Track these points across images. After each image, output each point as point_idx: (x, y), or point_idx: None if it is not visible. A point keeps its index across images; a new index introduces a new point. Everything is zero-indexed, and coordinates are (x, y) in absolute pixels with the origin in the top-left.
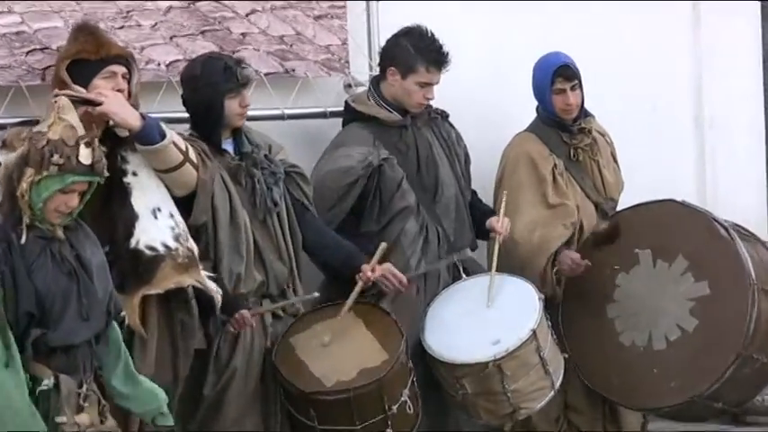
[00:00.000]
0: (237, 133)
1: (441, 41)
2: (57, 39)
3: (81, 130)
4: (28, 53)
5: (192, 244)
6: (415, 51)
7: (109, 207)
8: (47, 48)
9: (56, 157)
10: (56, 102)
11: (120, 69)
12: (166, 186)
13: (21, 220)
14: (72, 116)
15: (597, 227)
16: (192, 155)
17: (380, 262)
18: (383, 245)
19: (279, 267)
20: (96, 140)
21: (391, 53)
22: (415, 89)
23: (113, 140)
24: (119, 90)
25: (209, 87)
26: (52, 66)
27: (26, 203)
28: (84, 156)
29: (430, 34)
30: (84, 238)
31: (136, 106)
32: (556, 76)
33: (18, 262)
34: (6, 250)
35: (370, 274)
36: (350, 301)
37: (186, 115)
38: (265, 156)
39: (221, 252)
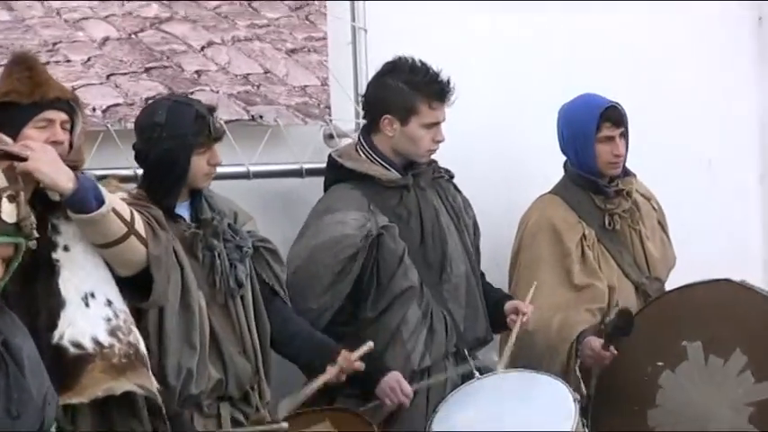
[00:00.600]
0: (196, 196)
1: (435, 69)
2: None
3: (2, 182)
4: None
5: (135, 338)
6: (410, 88)
7: (31, 288)
8: None
9: None
10: None
11: (59, 116)
12: (108, 265)
13: None
14: None
15: (608, 314)
16: (139, 225)
17: (362, 359)
18: (369, 344)
19: (241, 363)
20: (22, 195)
21: (381, 99)
22: (421, 134)
23: (44, 205)
24: (54, 142)
25: (175, 140)
26: None
27: None
28: (7, 212)
29: (419, 63)
30: (11, 323)
31: (78, 162)
32: (603, 120)
33: None
34: None
35: (351, 358)
36: (309, 390)
37: (125, 173)
38: (229, 225)
39: (167, 342)
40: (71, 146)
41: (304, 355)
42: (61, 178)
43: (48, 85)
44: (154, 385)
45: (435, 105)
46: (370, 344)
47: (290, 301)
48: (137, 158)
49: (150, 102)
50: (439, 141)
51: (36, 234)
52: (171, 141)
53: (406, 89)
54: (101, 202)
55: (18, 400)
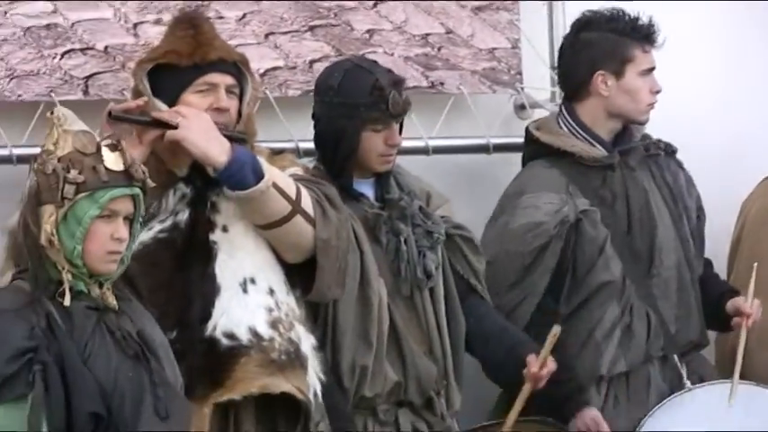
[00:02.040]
0: (383, 173)
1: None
2: (104, 36)
3: (98, 136)
4: (63, 55)
5: (297, 335)
6: (618, 35)
7: (185, 275)
8: (90, 48)
9: (73, 174)
10: (52, 114)
11: (224, 80)
12: (272, 248)
13: (58, 283)
14: (80, 124)
15: None
16: (307, 203)
17: (553, 352)
18: (555, 329)
19: (425, 365)
20: (122, 142)
21: (587, 57)
22: (639, 84)
23: (204, 180)
24: (217, 109)
25: (346, 109)
26: (99, 73)
27: (59, 253)
28: (113, 161)
29: (616, 10)
30: (138, 311)
31: (250, 134)
32: None
33: (66, 345)
34: (46, 330)
35: (535, 369)
36: (513, 414)
37: (286, 146)
38: (420, 208)
39: (341, 337)
40: (240, 114)
41: (498, 356)
42: (213, 150)
43: (211, 46)
44: (312, 390)
45: (648, 48)
46: (557, 328)
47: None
48: (313, 120)
49: (336, 61)
50: (657, 92)
51: (151, 183)
52: (341, 109)
53: (614, 37)
54: (260, 176)
55: (165, 397)
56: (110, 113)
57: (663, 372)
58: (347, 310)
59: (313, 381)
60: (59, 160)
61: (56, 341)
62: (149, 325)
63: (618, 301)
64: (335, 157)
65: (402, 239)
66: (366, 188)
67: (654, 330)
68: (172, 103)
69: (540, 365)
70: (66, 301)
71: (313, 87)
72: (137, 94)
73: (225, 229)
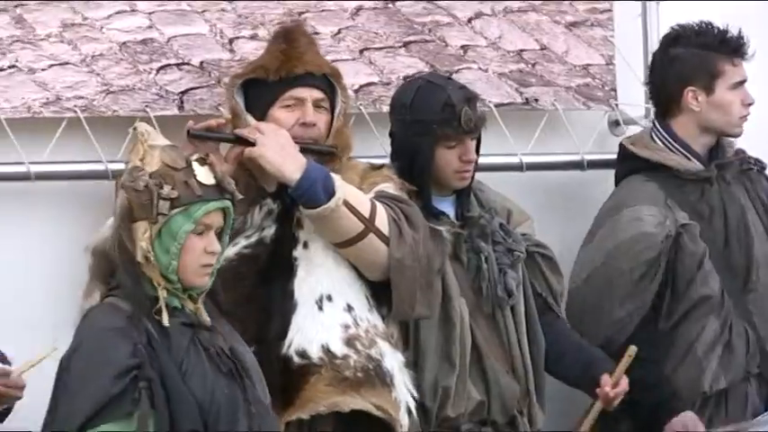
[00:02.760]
0: (462, 190)
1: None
2: (199, 51)
3: (185, 150)
4: (159, 70)
5: (379, 352)
6: (706, 50)
7: (267, 290)
8: (185, 63)
9: (166, 190)
10: (135, 129)
11: (311, 94)
12: (353, 265)
13: (154, 299)
14: (164, 139)
15: None
16: (382, 222)
17: (628, 371)
18: (631, 349)
19: (508, 384)
20: (211, 156)
21: (677, 72)
22: (730, 97)
23: (292, 196)
24: (304, 124)
25: (419, 126)
26: (195, 89)
27: (154, 269)
28: (204, 175)
29: (704, 24)
30: (228, 328)
31: (344, 148)
32: None
33: (166, 362)
34: (147, 347)
35: (608, 389)
36: (585, 427)
37: (381, 161)
38: (500, 225)
39: (423, 357)
40: (329, 129)
41: (573, 373)
42: (287, 167)
43: (299, 60)
44: (400, 410)
45: (737, 61)
46: (632, 350)
47: (584, 313)
48: (391, 142)
49: (408, 79)
50: (750, 104)
51: (239, 195)
52: (415, 127)
53: (702, 52)
54: (330, 193)
55: (258, 414)
56: (189, 132)
57: (759, 390)
58: (429, 330)
59: (404, 396)
60: (150, 176)
61: (157, 358)
62: (239, 343)
63: (717, 316)
64: (412, 174)
65: (483, 258)
66: (446, 206)
67: (752, 347)
68: (261, 117)
69: (614, 385)
70: (165, 320)
71: None
72: (231, 109)
73: (306, 246)
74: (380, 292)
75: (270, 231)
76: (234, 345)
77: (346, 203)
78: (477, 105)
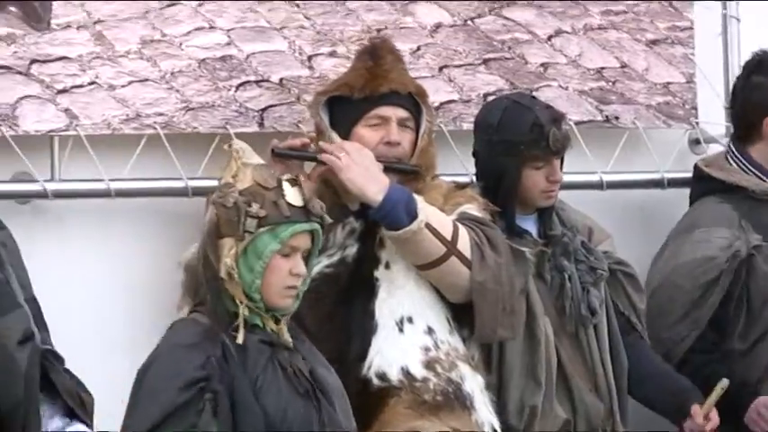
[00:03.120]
0: (545, 209)
1: None
2: (279, 68)
3: (277, 170)
4: (238, 87)
5: (459, 375)
6: None
7: (347, 310)
8: (265, 80)
9: (255, 208)
10: (230, 146)
11: (395, 113)
12: (435, 287)
13: (234, 315)
14: (257, 158)
15: None
16: (464, 245)
17: (718, 404)
18: (723, 382)
19: (593, 402)
20: (301, 177)
21: (757, 102)
22: None
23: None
24: (388, 143)
25: (506, 146)
26: (274, 106)
27: (237, 287)
28: (293, 196)
29: None
30: (310, 349)
31: (428, 168)
32: None
33: (238, 377)
34: (220, 360)
35: (700, 421)
36: None
37: (460, 180)
38: (582, 243)
39: (509, 376)
40: (414, 148)
41: (659, 400)
42: (370, 188)
43: (384, 79)
44: (487, 427)
45: None
46: (725, 381)
47: (648, 328)
48: (474, 156)
49: (492, 98)
50: None
51: (328, 219)
52: (501, 147)
53: None
54: (413, 216)
55: None
56: (273, 150)
57: None
58: (514, 350)
59: (486, 417)
60: (240, 194)
61: (228, 372)
62: (322, 367)
63: None
64: (497, 194)
65: (566, 276)
66: (529, 224)
67: None
68: (346, 135)
69: (704, 417)
70: (240, 338)
71: None
72: (315, 126)
73: (387, 266)
74: (462, 314)
75: (352, 250)
76: (315, 366)
77: (428, 226)
78: (563, 125)
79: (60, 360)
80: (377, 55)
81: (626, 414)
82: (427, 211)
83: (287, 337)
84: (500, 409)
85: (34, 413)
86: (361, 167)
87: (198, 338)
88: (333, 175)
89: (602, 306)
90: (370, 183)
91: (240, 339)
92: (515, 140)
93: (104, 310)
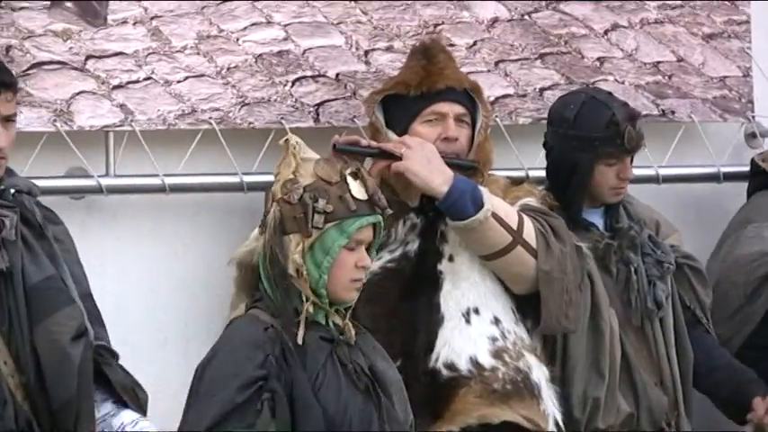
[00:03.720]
0: (613, 204)
1: None
2: (335, 63)
3: (338, 163)
4: (294, 82)
5: (527, 364)
6: None
7: (412, 304)
8: (321, 75)
9: (321, 203)
10: (286, 141)
11: (452, 108)
12: (499, 278)
13: (297, 312)
14: (312, 152)
15: None
16: (530, 234)
17: None
18: None
19: (657, 396)
20: (362, 169)
21: None
22: None
23: (435, 210)
24: (446, 139)
25: (581, 142)
26: (330, 101)
27: (306, 284)
28: (356, 189)
29: None
30: (371, 345)
31: (485, 163)
32: None
33: (298, 375)
34: (280, 359)
35: (761, 413)
36: None
37: (516, 174)
38: (649, 237)
39: (572, 368)
40: (471, 143)
41: (724, 392)
42: (435, 180)
43: (440, 75)
44: (548, 422)
45: None
46: None
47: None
48: (544, 146)
49: (570, 91)
50: None
51: (389, 210)
52: (576, 142)
53: None
54: (479, 206)
55: None
56: (334, 146)
57: None
58: (578, 342)
59: (551, 409)
60: (305, 189)
61: (288, 370)
62: (382, 361)
63: None
64: (567, 188)
65: (632, 269)
66: (595, 217)
67: None
68: (403, 133)
69: (767, 410)
70: (300, 336)
71: (544, 115)
72: (370, 124)
73: (451, 259)
74: (525, 306)
75: (414, 246)
76: (375, 362)
77: (494, 215)
78: (639, 124)
79: (115, 356)
80: (430, 53)
81: (690, 409)
82: (493, 201)
83: (351, 333)
84: (563, 401)
85: (87, 409)
86: (424, 160)
87: (258, 336)
88: (392, 172)
89: (669, 300)
90: (435, 175)
91: (300, 336)
92: (591, 136)
93: (159, 306)
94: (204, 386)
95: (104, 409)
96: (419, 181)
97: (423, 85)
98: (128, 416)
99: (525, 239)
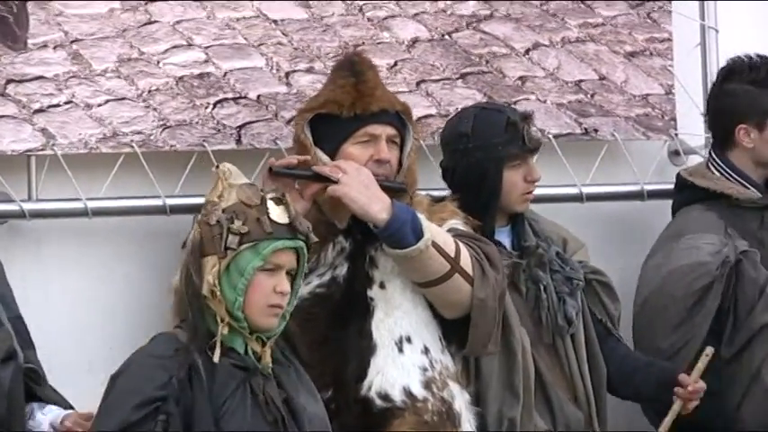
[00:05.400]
0: (518, 220)
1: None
2: (256, 85)
3: (263, 188)
4: (216, 104)
5: (450, 394)
6: (758, 87)
7: (342, 332)
8: (242, 97)
9: (237, 224)
10: (217, 169)
11: (385, 130)
12: (429, 305)
13: (210, 335)
14: (244, 179)
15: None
16: (466, 261)
17: (703, 375)
18: (708, 349)
19: (572, 412)
20: (287, 196)
21: (729, 109)
22: None
23: (363, 233)
24: (378, 161)
25: (484, 151)
26: (252, 123)
27: (220, 305)
28: (277, 213)
29: (757, 58)
30: (296, 378)
31: (410, 184)
32: None
33: (200, 400)
34: (184, 381)
35: (691, 386)
36: (663, 428)
37: (440, 194)
38: (557, 254)
39: (486, 387)
40: (400, 165)
41: (647, 390)
42: (373, 207)
43: (372, 97)
44: None
45: None
46: (710, 349)
47: (637, 337)
48: (444, 177)
49: (456, 111)
50: None
51: (314, 238)
52: (479, 153)
53: (754, 90)
54: (419, 234)
55: None
56: (270, 168)
57: None
58: (490, 362)
59: None
60: (224, 211)
61: (191, 394)
62: (306, 395)
63: None
64: (478, 202)
65: (542, 287)
66: (503, 237)
67: None
68: (332, 153)
69: (695, 381)
70: (216, 357)
71: None
72: (298, 143)
73: (382, 286)
74: (450, 330)
75: (342, 270)
76: (295, 395)
77: (434, 244)
78: (532, 122)
79: (43, 379)
80: (357, 71)
81: (605, 421)
82: (432, 229)
83: (268, 362)
84: (480, 421)
85: (19, 430)
86: (361, 186)
87: (167, 355)
88: (328, 195)
89: (579, 315)
90: (373, 201)
91: (216, 357)
92: (493, 142)
93: (82, 330)
94: (109, 398)
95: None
96: (357, 207)
97: (357, 107)
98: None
99: (462, 267)
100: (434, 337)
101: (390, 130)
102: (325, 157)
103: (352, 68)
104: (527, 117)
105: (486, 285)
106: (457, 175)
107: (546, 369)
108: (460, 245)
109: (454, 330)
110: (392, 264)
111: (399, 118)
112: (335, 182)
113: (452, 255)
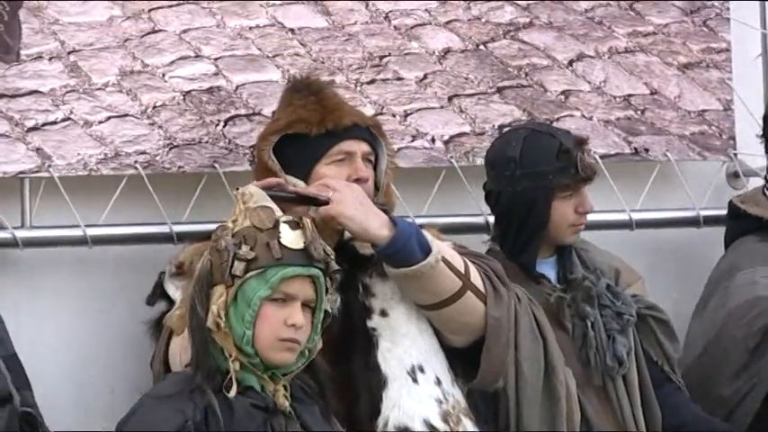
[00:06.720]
0: (564, 250)
1: None
2: (271, 100)
3: (280, 212)
4: (227, 121)
5: (466, 429)
6: None
7: (346, 368)
8: (256, 114)
9: (244, 249)
10: (237, 191)
11: (360, 147)
12: (435, 331)
13: (226, 373)
14: (266, 201)
15: None
16: (476, 277)
17: None
18: None
19: None
20: (306, 220)
21: None
22: None
23: (351, 261)
24: (357, 180)
25: (532, 179)
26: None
27: (227, 338)
28: (291, 238)
29: None
30: (321, 418)
31: (388, 206)
32: None
33: None
34: (200, 424)
35: None
36: None
37: (475, 221)
38: (608, 287)
39: None
40: (376, 185)
41: None
42: (372, 224)
43: (342, 111)
44: None
45: None
46: None
47: (698, 387)
48: (487, 201)
49: (505, 130)
50: None
51: (335, 266)
52: (527, 181)
53: None
54: (427, 250)
55: None
56: None
57: None
58: (532, 405)
59: None
60: (233, 236)
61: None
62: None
63: None
64: (522, 232)
65: (589, 324)
66: (547, 269)
67: None
68: (305, 176)
69: None
70: (231, 393)
71: None
72: (263, 171)
73: (384, 314)
74: (455, 363)
75: (336, 303)
76: None
77: (444, 259)
78: (587, 148)
79: (40, 423)
80: (315, 90)
81: None
82: (438, 244)
83: (283, 401)
84: None
85: None
86: (356, 203)
87: (182, 397)
88: (322, 217)
89: (631, 355)
90: (371, 218)
91: (232, 393)
92: (543, 170)
93: (81, 368)
94: None
95: None
96: (355, 226)
97: (326, 123)
98: None
99: (474, 283)
100: (443, 367)
101: (365, 147)
102: (300, 183)
103: (309, 88)
104: (582, 142)
105: (500, 304)
106: (502, 201)
107: (594, 414)
108: (467, 260)
109: (459, 362)
110: (392, 288)
111: (372, 135)
112: (325, 202)
113: (462, 270)
